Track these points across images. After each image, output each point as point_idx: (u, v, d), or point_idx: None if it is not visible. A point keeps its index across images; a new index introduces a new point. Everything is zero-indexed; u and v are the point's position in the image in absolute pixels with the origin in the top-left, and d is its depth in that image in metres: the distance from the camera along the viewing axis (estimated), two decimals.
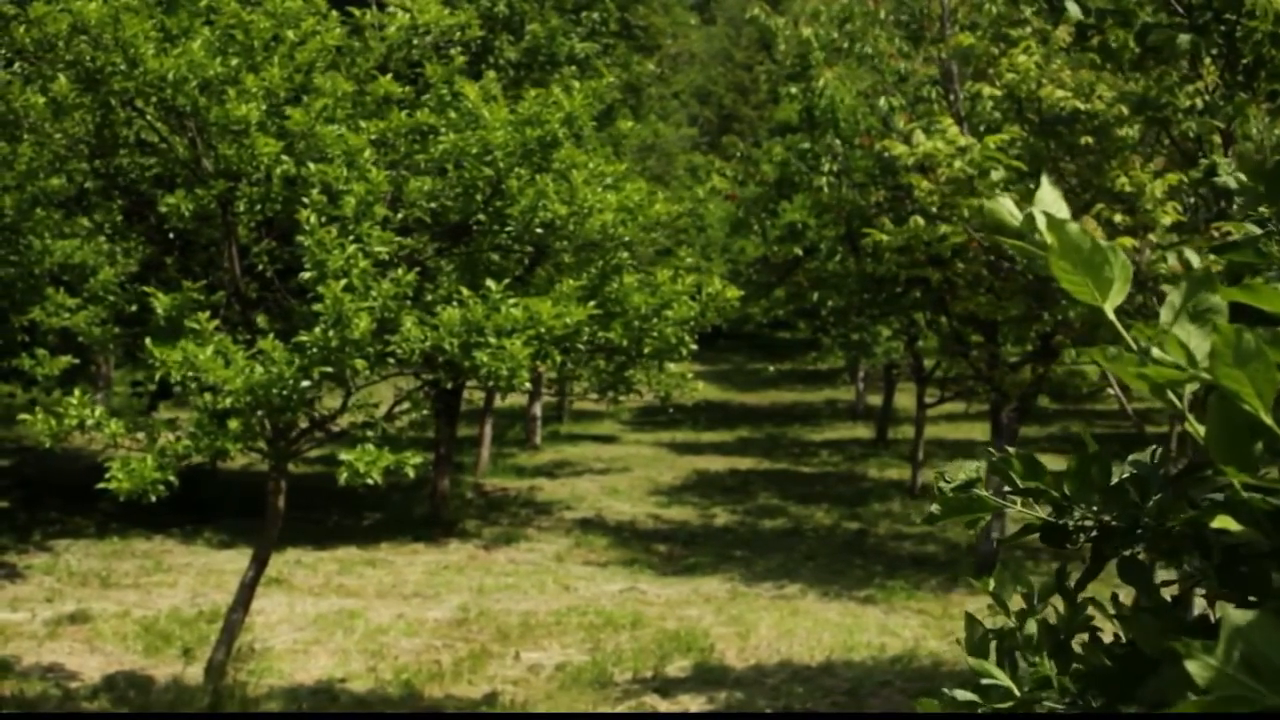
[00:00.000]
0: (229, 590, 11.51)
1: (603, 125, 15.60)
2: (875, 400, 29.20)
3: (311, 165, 8.17)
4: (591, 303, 8.14)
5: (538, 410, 25.62)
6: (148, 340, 7.80)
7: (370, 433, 7.88)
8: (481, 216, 8.68)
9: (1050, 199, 1.51)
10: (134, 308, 8.93)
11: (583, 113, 8.72)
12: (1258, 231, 2.02)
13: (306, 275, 7.84)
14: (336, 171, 8.08)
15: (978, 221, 9.58)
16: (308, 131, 8.27)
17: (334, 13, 9.01)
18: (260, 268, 9.02)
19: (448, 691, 10.06)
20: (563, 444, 25.92)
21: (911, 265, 13.54)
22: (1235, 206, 2.32)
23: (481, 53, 15.97)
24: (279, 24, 8.56)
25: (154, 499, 7.55)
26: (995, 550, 13.97)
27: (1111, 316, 1.41)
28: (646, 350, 8.68)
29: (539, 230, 8.49)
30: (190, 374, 7.63)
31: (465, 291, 7.99)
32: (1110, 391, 11.69)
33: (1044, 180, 1.59)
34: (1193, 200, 8.82)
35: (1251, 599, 1.66)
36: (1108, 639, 1.95)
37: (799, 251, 20.23)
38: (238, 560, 13.06)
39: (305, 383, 7.66)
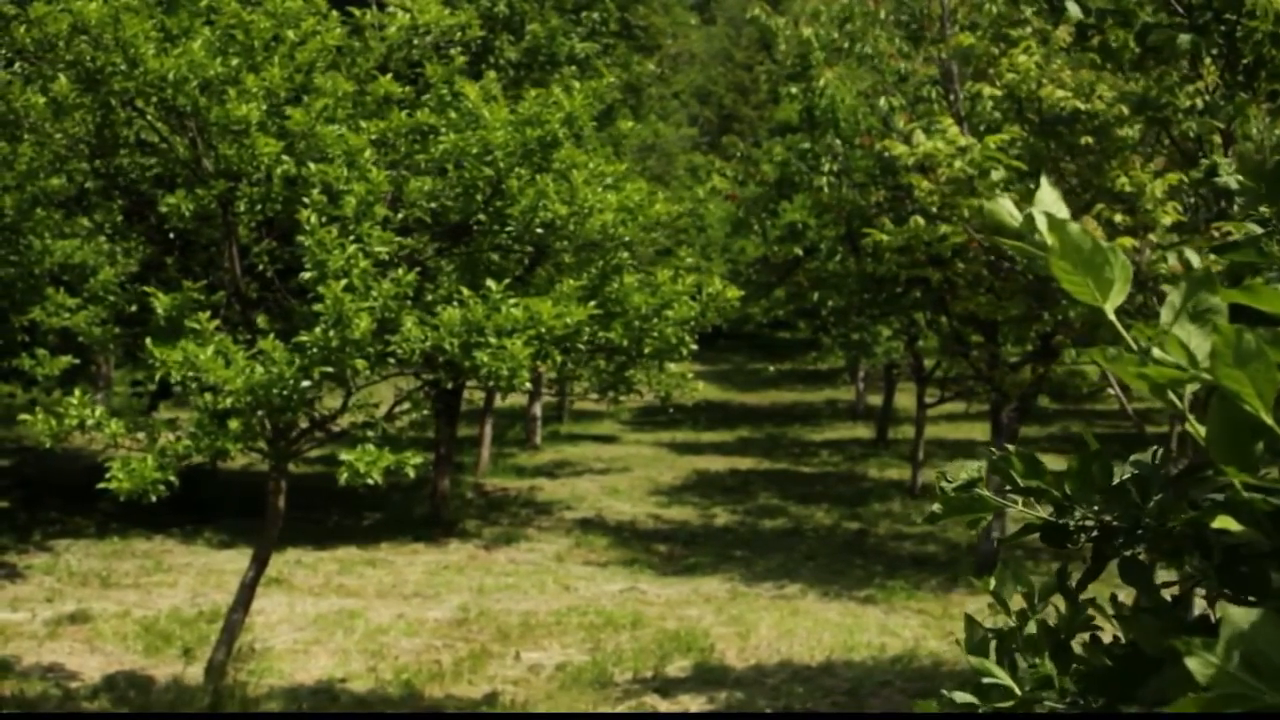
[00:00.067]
0: (229, 590, 11.52)
1: (603, 125, 15.61)
2: (875, 400, 29.20)
3: (312, 165, 8.18)
4: (592, 303, 8.14)
5: (538, 410, 25.62)
6: (148, 340, 7.80)
7: (370, 433, 7.88)
8: (482, 216, 8.68)
9: (1050, 199, 1.51)
10: (134, 308, 8.93)
11: (583, 113, 8.73)
12: (1258, 231, 2.02)
13: (307, 275, 7.85)
14: (337, 171, 8.08)
15: (978, 221, 9.58)
16: (308, 131, 8.28)
17: (334, 13, 9.01)
18: (260, 268, 9.02)
19: (448, 691, 10.06)
20: (563, 444, 25.92)
21: (911, 265, 13.54)
22: (1235, 207, 2.32)
23: (482, 53, 15.97)
24: (279, 24, 8.56)
25: (154, 499, 7.55)
26: (996, 550, 13.97)
27: (1112, 317, 1.42)
28: (647, 350, 8.68)
29: (539, 230, 8.49)
30: (190, 374, 7.64)
31: (465, 291, 7.99)
32: (1110, 391, 11.68)
33: (1044, 180, 1.59)
34: (1193, 200, 8.82)
35: (1252, 599, 1.66)
36: (1108, 639, 1.95)
37: (799, 251, 20.23)
38: (238, 560, 13.07)
39: (305, 383, 7.67)
